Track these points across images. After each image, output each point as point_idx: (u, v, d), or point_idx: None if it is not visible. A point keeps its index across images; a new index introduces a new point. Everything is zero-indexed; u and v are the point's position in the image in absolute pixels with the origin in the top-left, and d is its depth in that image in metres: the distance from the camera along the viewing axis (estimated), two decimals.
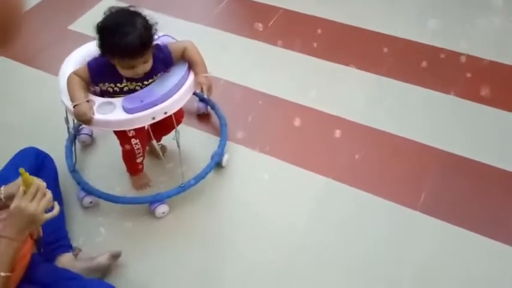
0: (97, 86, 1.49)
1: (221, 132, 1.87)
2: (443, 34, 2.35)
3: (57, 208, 1.20)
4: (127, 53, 1.36)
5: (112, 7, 1.42)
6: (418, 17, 2.48)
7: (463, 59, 2.21)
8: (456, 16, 2.46)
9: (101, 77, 1.47)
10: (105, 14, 1.41)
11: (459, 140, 1.90)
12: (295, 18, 2.49)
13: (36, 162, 1.54)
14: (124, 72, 1.43)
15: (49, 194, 1.17)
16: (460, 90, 2.06)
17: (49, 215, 1.16)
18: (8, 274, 1.10)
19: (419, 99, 2.06)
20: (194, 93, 1.62)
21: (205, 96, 1.52)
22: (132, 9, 1.42)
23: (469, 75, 2.13)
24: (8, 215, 1.13)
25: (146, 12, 1.46)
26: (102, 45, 1.40)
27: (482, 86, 2.05)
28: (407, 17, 2.48)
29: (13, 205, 1.11)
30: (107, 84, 1.48)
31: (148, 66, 1.43)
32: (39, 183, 1.15)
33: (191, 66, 1.54)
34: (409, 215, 1.66)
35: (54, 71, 1.93)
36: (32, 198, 1.12)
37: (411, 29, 2.39)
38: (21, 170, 1.12)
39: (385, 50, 2.28)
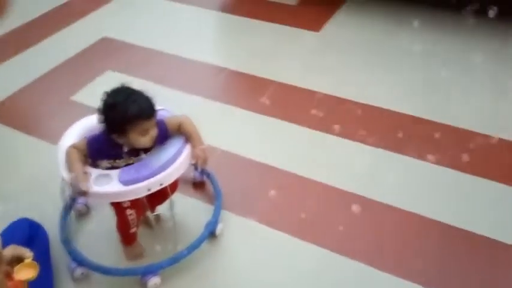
0: (95, 163, 1.53)
1: (215, 201, 1.89)
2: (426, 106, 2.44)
3: None
4: (142, 114, 1.44)
5: (106, 91, 1.50)
6: (403, 87, 2.58)
7: (444, 129, 2.27)
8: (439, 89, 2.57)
9: (101, 154, 1.52)
10: (104, 95, 1.49)
11: (456, 210, 1.91)
12: (289, 91, 2.58)
13: (29, 233, 1.55)
14: (138, 142, 1.48)
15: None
16: (442, 159, 2.11)
17: None
18: None
19: (410, 169, 2.10)
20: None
21: (199, 168, 1.56)
22: (124, 85, 1.52)
23: (455, 145, 2.18)
24: None
25: (147, 84, 1.55)
26: (111, 122, 1.47)
27: (465, 156, 2.10)
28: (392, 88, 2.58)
29: None
30: (105, 161, 1.52)
31: (156, 131, 1.50)
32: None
33: (187, 140, 1.59)
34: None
35: (53, 140, 1.98)
36: None
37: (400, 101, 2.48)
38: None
39: (376, 119, 2.35)
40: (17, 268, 1.23)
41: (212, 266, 1.75)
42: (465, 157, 2.09)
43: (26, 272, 1.23)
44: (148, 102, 1.48)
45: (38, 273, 1.24)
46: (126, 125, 1.44)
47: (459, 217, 1.87)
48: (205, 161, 1.56)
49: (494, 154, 2.15)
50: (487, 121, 2.34)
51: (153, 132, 1.49)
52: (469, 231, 1.82)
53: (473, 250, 1.77)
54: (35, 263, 1.25)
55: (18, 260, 1.25)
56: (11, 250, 1.24)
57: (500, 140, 2.21)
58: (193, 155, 1.57)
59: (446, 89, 2.56)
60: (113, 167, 1.53)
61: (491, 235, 1.80)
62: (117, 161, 1.52)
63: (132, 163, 1.53)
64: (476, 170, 2.05)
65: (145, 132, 1.47)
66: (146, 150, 1.53)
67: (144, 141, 1.48)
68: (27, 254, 1.21)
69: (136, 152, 1.53)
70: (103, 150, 1.51)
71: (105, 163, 1.53)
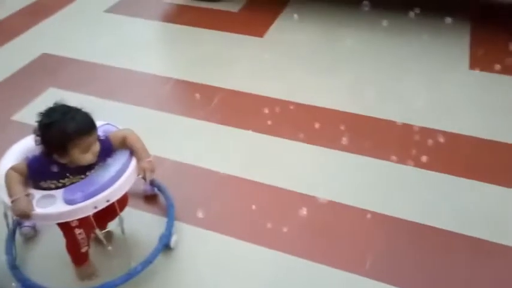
0: (38, 184, 1.49)
1: (168, 213, 1.88)
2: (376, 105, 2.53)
3: None
4: (82, 131, 1.42)
5: (41, 112, 1.47)
6: (349, 89, 2.66)
7: (398, 125, 2.36)
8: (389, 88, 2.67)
9: (43, 175, 1.48)
10: (39, 116, 1.45)
11: (401, 204, 1.99)
12: (236, 97, 2.61)
13: None
14: (81, 159, 1.45)
15: None
16: (397, 155, 2.19)
17: None
18: None
19: (355, 165, 2.17)
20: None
21: (146, 181, 1.56)
22: (58, 103, 1.49)
23: (404, 140, 2.27)
24: None
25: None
26: (49, 142, 1.43)
27: (421, 152, 2.17)
28: (339, 90, 2.66)
29: None
30: (48, 181, 1.49)
31: (98, 146, 1.48)
32: None
33: (133, 154, 1.58)
34: (356, 281, 1.70)
35: None
36: None
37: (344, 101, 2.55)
38: None
39: (322, 121, 2.41)
40: None
41: (169, 279, 1.73)
42: (414, 152, 2.17)
43: None
44: (86, 117, 1.45)
45: None
46: (66, 143, 1.41)
47: (405, 210, 1.96)
48: (152, 173, 1.55)
49: (445, 148, 2.24)
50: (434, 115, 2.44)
51: (95, 147, 1.47)
52: (417, 223, 1.90)
53: (420, 241, 1.86)
54: None
55: None
56: None
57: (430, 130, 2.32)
58: (140, 168, 1.55)
59: (387, 85, 2.66)
60: (57, 188, 1.49)
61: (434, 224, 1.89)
62: (61, 180, 1.49)
63: (78, 181, 1.50)
64: (422, 164, 2.13)
65: (87, 149, 1.44)
66: (90, 167, 1.50)
67: (87, 158, 1.46)
68: None
69: (80, 170, 1.50)
70: (45, 171, 1.47)
71: (48, 184, 1.49)
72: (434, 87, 2.64)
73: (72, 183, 1.49)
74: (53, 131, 1.41)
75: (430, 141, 2.20)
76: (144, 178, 1.57)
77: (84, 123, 1.43)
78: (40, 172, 1.47)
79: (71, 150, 1.42)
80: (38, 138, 1.44)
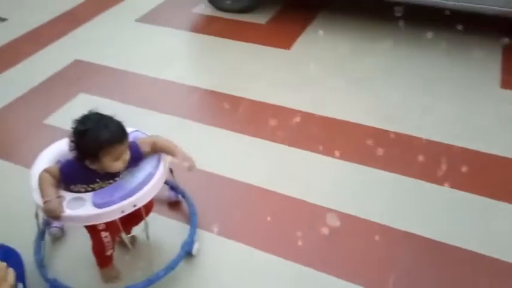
0: (68, 188, 1.54)
1: (191, 220, 1.91)
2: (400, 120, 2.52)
3: None
4: (114, 139, 1.46)
5: (76, 119, 1.52)
6: (376, 104, 2.66)
7: (424, 142, 2.35)
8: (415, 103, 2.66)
9: (74, 179, 1.53)
10: (74, 123, 1.50)
11: (428, 223, 1.97)
12: (262, 108, 2.64)
13: (3, 259, 1.52)
14: (112, 167, 1.49)
15: (10, 278, 1.16)
16: (423, 173, 2.17)
17: None
18: None
19: (379, 181, 2.17)
20: (165, 182, 1.68)
21: (193, 170, 1.61)
22: (93, 111, 1.54)
23: (431, 158, 2.25)
24: None
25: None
26: (83, 148, 1.48)
27: (448, 171, 2.17)
28: (365, 104, 2.66)
29: None
30: (78, 185, 1.53)
31: (128, 154, 1.52)
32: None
33: (167, 154, 1.63)
34: None
35: (27, 164, 1.97)
36: None
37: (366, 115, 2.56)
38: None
39: (346, 135, 2.42)
40: None
41: (189, 286, 1.76)
42: (441, 171, 2.17)
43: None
44: (119, 126, 1.50)
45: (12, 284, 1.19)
46: (98, 151, 1.45)
47: (430, 229, 1.94)
48: (192, 165, 1.61)
49: (474, 167, 2.20)
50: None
51: (126, 156, 1.52)
52: (443, 243, 1.88)
53: (444, 261, 1.84)
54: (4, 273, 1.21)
55: None
56: None
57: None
58: (181, 163, 1.61)
59: (413, 101, 2.65)
60: (86, 191, 1.54)
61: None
62: (90, 185, 1.54)
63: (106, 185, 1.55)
64: (449, 184, 2.11)
65: (118, 157, 1.49)
66: (119, 172, 1.55)
67: (118, 165, 1.50)
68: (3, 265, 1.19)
69: (110, 176, 1.55)
70: (76, 175, 1.52)
71: (78, 187, 1.54)
72: (464, 105, 2.62)
73: (101, 187, 1.54)
74: (87, 138, 1.45)
75: (458, 160, 2.19)
76: (171, 181, 1.60)
77: (116, 132, 1.47)
78: (71, 176, 1.53)
79: (103, 157, 1.46)
80: (72, 144, 1.49)
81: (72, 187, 1.54)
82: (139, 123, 1.79)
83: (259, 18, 3.51)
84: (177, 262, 1.73)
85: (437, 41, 3.05)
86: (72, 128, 1.49)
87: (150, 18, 3.59)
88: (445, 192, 2.09)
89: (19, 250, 1.65)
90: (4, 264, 1.19)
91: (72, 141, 1.49)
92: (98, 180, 1.53)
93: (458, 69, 2.88)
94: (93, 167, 1.50)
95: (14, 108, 2.69)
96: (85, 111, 1.55)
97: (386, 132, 2.43)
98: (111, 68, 3.02)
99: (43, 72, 2.97)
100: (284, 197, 2.09)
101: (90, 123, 1.47)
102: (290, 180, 2.19)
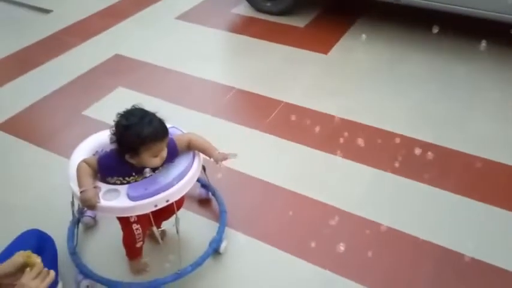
0: (105, 179, 1.57)
1: (220, 218, 1.92)
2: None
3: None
4: (157, 137, 1.48)
5: (120, 112, 1.54)
6: (413, 113, 2.61)
7: (459, 154, 2.30)
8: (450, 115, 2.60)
9: (111, 171, 1.56)
10: (118, 116, 1.53)
11: (453, 235, 1.93)
12: (296, 112, 2.63)
13: (38, 244, 1.58)
14: (149, 162, 1.52)
15: (52, 274, 1.24)
16: (453, 185, 2.13)
17: None
18: None
19: (416, 194, 2.13)
20: (197, 180, 1.70)
21: (234, 157, 1.63)
22: (137, 106, 1.56)
23: (466, 171, 2.20)
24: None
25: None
26: (125, 143, 1.50)
27: (481, 184, 2.13)
28: (401, 113, 2.62)
29: (20, 281, 1.19)
30: (115, 177, 1.57)
31: (166, 151, 1.55)
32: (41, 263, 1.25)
33: (202, 152, 1.65)
34: None
35: (64, 153, 2.04)
36: (36, 277, 1.21)
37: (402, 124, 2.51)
38: (27, 253, 1.22)
39: (380, 143, 2.38)
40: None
41: (215, 282, 1.77)
42: (472, 183, 2.12)
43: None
44: (161, 124, 1.52)
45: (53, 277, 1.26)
46: (139, 146, 1.48)
47: (456, 241, 1.90)
48: (229, 155, 1.63)
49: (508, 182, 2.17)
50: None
51: (164, 153, 1.54)
52: (468, 256, 1.84)
53: (468, 275, 1.79)
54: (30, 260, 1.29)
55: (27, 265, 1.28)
56: (26, 254, 1.29)
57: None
58: (216, 161, 1.62)
59: (454, 116, 2.59)
60: (122, 184, 1.57)
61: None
62: (126, 178, 1.57)
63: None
64: (480, 197, 2.07)
65: (157, 153, 1.51)
66: (155, 168, 1.57)
67: (155, 161, 1.53)
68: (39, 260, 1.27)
69: (141, 170, 1.57)
70: (113, 167, 1.56)
71: (114, 180, 1.57)
72: (501, 118, 2.55)
73: (136, 181, 1.57)
74: (130, 134, 1.47)
75: (492, 174, 2.13)
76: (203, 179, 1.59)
77: (159, 130, 1.50)
78: (108, 168, 1.56)
79: (142, 153, 1.49)
80: (113, 136, 1.52)
81: (108, 179, 1.57)
82: (173, 120, 1.81)
83: (298, 22, 3.51)
84: (205, 258, 1.75)
85: (475, 52, 2.97)
86: (116, 121, 1.52)
87: (190, 16, 3.64)
88: (474, 205, 2.04)
89: (53, 237, 1.70)
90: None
91: (114, 134, 1.52)
92: (133, 174, 1.56)
93: (497, 82, 2.80)
94: (131, 161, 1.53)
95: (55, 99, 2.78)
96: (123, 105, 1.58)
97: (415, 141, 2.38)
98: (150, 63, 3.07)
99: (84, 65, 3.05)
100: (313, 201, 2.08)
101: (134, 118, 1.49)
102: (320, 185, 2.17)
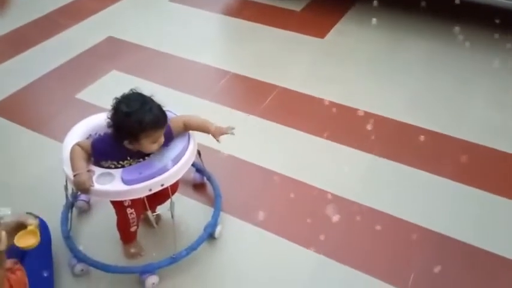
0: (99, 163, 1.55)
1: (215, 203, 1.91)
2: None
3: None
4: (158, 124, 1.48)
5: (118, 97, 1.52)
6: (408, 98, 2.60)
7: (456, 141, 2.30)
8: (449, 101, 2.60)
9: (105, 155, 1.55)
10: (116, 102, 1.50)
11: (450, 222, 1.94)
12: (293, 97, 2.61)
13: None
14: (147, 148, 1.51)
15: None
16: (453, 173, 2.13)
17: None
18: None
19: (410, 180, 2.13)
20: (192, 164, 1.69)
21: (231, 132, 1.62)
22: (135, 91, 1.54)
23: (464, 159, 2.20)
24: None
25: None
26: (125, 129, 1.48)
27: (478, 172, 2.13)
28: (397, 99, 2.60)
29: None
30: (109, 161, 1.55)
31: (163, 138, 1.54)
32: None
33: (200, 131, 1.64)
34: None
35: (58, 137, 2.01)
36: None
37: (400, 109, 2.51)
38: None
39: (377, 128, 2.38)
40: (18, 235, 1.19)
41: (209, 267, 1.77)
42: (471, 171, 2.12)
43: (27, 239, 1.20)
44: (161, 111, 1.51)
45: (38, 241, 1.20)
46: (140, 133, 1.46)
47: (459, 230, 1.90)
48: (227, 129, 1.62)
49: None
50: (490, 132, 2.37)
51: (162, 139, 1.53)
52: (470, 245, 1.85)
53: (471, 264, 1.80)
54: (37, 230, 1.21)
55: (22, 227, 1.22)
56: (15, 217, 1.22)
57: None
58: (215, 136, 1.61)
59: (449, 99, 2.59)
60: (116, 168, 1.55)
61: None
62: (120, 162, 1.55)
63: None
64: (479, 185, 2.08)
65: (155, 140, 1.50)
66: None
67: (153, 147, 1.52)
68: (30, 221, 1.19)
69: (140, 154, 1.56)
70: (108, 151, 1.54)
71: (108, 163, 1.55)
72: (500, 108, 2.53)
73: (130, 165, 1.56)
74: (131, 120, 1.45)
75: (490, 162, 2.13)
76: (197, 163, 1.58)
77: (160, 117, 1.49)
78: (103, 152, 1.54)
79: (142, 139, 1.48)
80: (110, 121, 1.50)
81: (102, 163, 1.55)
82: (168, 104, 1.78)
83: (294, 5, 3.47)
84: (200, 243, 1.74)
85: (478, 39, 2.96)
86: (114, 106, 1.50)
87: None
88: (474, 193, 2.04)
89: (46, 221, 1.69)
90: (35, 221, 1.20)
91: (111, 119, 1.50)
92: (128, 158, 1.54)
93: (496, 70, 2.77)
94: (129, 146, 1.51)
95: (47, 81, 2.74)
96: (117, 89, 1.55)
97: (411, 127, 2.38)
98: (144, 46, 3.03)
99: (77, 47, 3.01)
100: (308, 186, 2.08)
101: (135, 105, 1.47)
102: (316, 170, 2.17)
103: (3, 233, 1.11)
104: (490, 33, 2.87)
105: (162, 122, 1.50)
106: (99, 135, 1.58)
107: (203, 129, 1.64)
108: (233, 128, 1.63)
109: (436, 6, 3.15)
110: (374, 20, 2.96)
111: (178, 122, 1.62)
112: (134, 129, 1.46)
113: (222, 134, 1.62)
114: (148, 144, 1.50)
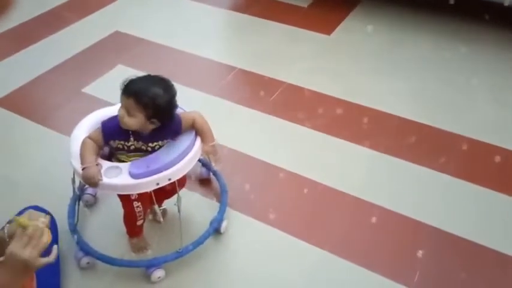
0: (108, 144, 1.56)
1: (221, 198, 1.91)
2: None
3: (54, 253, 1.18)
4: (129, 91, 1.47)
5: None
6: (413, 94, 2.60)
7: (456, 138, 2.30)
8: (449, 97, 2.59)
9: (113, 134, 1.55)
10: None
11: (453, 218, 1.93)
12: (298, 93, 2.61)
13: None
14: (120, 117, 1.50)
15: (45, 237, 1.14)
16: (454, 169, 2.13)
17: (44, 260, 1.14)
18: None
19: (412, 176, 2.12)
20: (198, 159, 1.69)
21: (214, 166, 1.61)
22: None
23: (463, 154, 2.20)
24: (2, 260, 1.11)
25: None
26: None
27: (476, 167, 2.13)
28: (403, 96, 2.60)
29: (7, 250, 1.10)
30: (117, 141, 1.55)
31: (141, 119, 1.49)
32: (36, 225, 1.14)
33: (199, 135, 1.63)
34: None
35: (64, 131, 2.02)
36: (28, 243, 1.11)
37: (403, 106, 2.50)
38: (16, 218, 1.15)
39: (381, 125, 2.37)
40: None
41: (215, 262, 1.78)
42: (471, 168, 2.12)
43: None
44: (146, 87, 1.48)
45: (50, 240, 1.18)
46: (121, 95, 1.49)
47: (463, 228, 1.90)
48: (215, 157, 1.61)
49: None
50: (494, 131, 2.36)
51: (127, 120, 1.48)
52: (473, 242, 1.85)
53: (474, 261, 1.80)
54: (48, 230, 1.19)
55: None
56: (27, 215, 1.22)
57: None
58: (203, 151, 1.61)
59: (454, 97, 2.58)
60: (123, 148, 1.56)
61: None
62: (126, 143, 1.55)
63: (141, 148, 1.56)
64: (482, 182, 2.07)
65: (127, 111, 1.47)
66: (154, 138, 1.56)
67: (125, 119, 1.48)
68: (42, 219, 1.19)
69: (141, 136, 1.55)
70: (115, 130, 1.54)
71: (116, 143, 1.56)
72: (500, 106, 2.53)
73: (136, 148, 1.56)
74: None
75: (494, 159, 2.12)
76: (203, 162, 1.60)
77: (141, 91, 1.46)
78: (112, 131, 1.54)
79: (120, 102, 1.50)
80: None
81: (111, 142, 1.56)
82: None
83: (301, 1, 3.46)
84: (206, 237, 1.75)
85: (480, 36, 2.95)
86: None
87: None
88: (477, 190, 2.04)
89: (53, 214, 1.69)
90: (46, 219, 1.20)
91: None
92: (131, 138, 1.54)
93: (499, 67, 2.78)
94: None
95: (54, 75, 2.74)
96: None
97: (416, 124, 2.38)
98: (150, 41, 3.03)
99: (83, 41, 3.01)
100: (314, 183, 2.08)
101: (144, 76, 1.53)
102: (321, 167, 2.16)
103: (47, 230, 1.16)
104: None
105: (137, 94, 1.45)
106: (111, 116, 1.58)
107: (202, 137, 1.63)
108: (220, 163, 1.65)
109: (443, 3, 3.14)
110: (368, 18, 2.99)
111: (189, 118, 1.62)
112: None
113: (209, 155, 1.61)
114: (121, 112, 1.49)
